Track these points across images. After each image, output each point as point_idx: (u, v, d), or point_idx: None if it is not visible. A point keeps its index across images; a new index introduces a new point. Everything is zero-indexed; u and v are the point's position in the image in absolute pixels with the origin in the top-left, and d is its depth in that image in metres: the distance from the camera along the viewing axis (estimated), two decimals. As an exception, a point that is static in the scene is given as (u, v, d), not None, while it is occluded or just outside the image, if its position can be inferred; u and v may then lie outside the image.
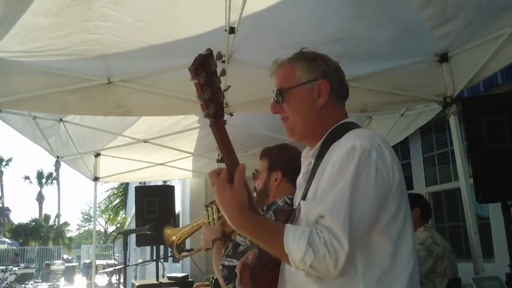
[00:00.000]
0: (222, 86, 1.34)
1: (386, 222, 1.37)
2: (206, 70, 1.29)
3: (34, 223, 41.77)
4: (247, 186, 1.39)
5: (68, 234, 45.28)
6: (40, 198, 49.79)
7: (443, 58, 3.64)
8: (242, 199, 1.34)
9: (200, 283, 4.88)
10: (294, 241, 1.27)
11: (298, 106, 1.58)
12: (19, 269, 18.79)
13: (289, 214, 1.56)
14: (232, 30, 3.01)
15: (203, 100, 1.31)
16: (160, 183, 8.72)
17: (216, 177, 1.38)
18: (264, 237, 1.36)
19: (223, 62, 3.44)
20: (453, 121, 3.73)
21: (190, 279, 5.78)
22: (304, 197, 1.49)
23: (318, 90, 1.56)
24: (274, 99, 1.61)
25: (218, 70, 1.33)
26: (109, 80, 3.54)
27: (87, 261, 24.70)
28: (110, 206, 38.36)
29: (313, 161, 1.55)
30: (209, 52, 1.31)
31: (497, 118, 3.26)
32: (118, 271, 5.16)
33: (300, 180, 1.65)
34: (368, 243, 1.34)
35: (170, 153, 6.15)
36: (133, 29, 3.09)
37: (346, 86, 1.66)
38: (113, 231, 41.67)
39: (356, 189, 1.31)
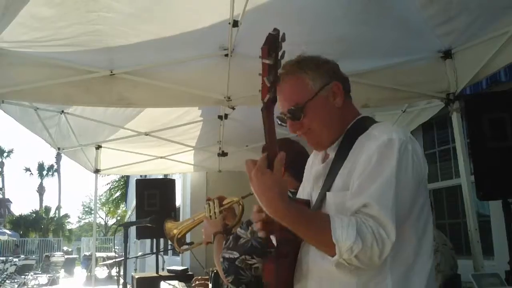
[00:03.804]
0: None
1: (416, 214, 1.39)
2: (275, 51, 1.25)
3: (34, 215, 41.85)
4: None
5: (69, 226, 45.45)
6: (40, 190, 49.85)
7: (447, 54, 3.62)
8: (283, 186, 1.31)
9: (199, 277, 4.88)
10: (342, 230, 1.26)
11: (321, 115, 1.55)
12: (19, 260, 18.87)
13: (305, 205, 1.53)
14: (235, 24, 3.00)
15: (269, 83, 1.26)
16: (161, 177, 8.74)
17: (253, 163, 1.34)
18: (307, 225, 1.33)
19: (226, 55, 3.44)
20: (455, 118, 3.73)
21: (189, 272, 5.80)
22: (329, 189, 1.47)
23: (333, 92, 1.56)
24: (290, 117, 1.55)
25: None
26: (111, 72, 3.54)
27: (87, 253, 24.80)
28: (110, 198, 38.44)
29: (333, 154, 1.55)
30: (277, 32, 1.27)
31: (500, 115, 3.26)
32: (118, 264, 5.18)
33: (318, 172, 1.60)
34: (398, 235, 1.32)
35: (171, 147, 6.15)
36: (137, 21, 3.08)
37: (347, 77, 1.66)
38: (113, 224, 41.77)
39: (399, 180, 1.33)
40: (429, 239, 1.42)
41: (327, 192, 1.47)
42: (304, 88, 1.54)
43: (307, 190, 1.66)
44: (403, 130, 1.45)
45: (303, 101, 1.52)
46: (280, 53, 1.27)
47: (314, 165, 1.68)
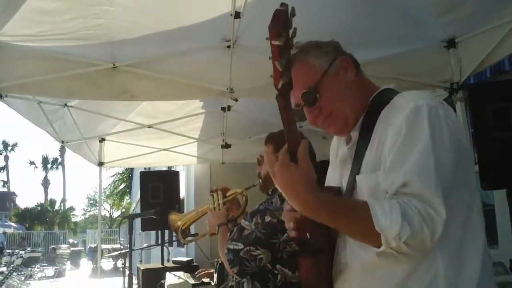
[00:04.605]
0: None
1: (461, 183, 1.24)
2: (286, 28, 1.10)
3: (39, 208, 42.12)
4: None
5: (74, 219, 45.71)
6: (45, 183, 50.12)
7: (450, 43, 3.60)
8: (311, 177, 1.19)
9: (204, 269, 4.92)
10: (386, 217, 1.12)
11: (337, 91, 1.44)
12: (25, 253, 19.02)
13: (337, 193, 1.43)
14: (237, 15, 2.99)
15: (282, 67, 1.11)
16: (164, 169, 8.76)
17: (274, 157, 1.22)
18: (345, 217, 1.20)
19: (228, 47, 3.43)
20: (459, 107, 3.71)
21: (195, 263, 5.83)
22: (358, 172, 1.34)
23: (342, 67, 1.47)
24: (306, 104, 1.43)
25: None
26: (114, 65, 3.54)
27: (93, 245, 24.94)
28: (115, 191, 38.61)
29: (356, 134, 1.42)
30: (286, 7, 1.12)
31: (504, 105, 3.25)
32: (123, 255, 5.22)
33: (344, 155, 1.48)
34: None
35: (174, 139, 6.16)
36: (139, 14, 3.08)
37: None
38: (118, 216, 41.93)
39: (437, 149, 1.19)
40: (477, 209, 1.29)
41: (356, 176, 1.35)
42: (312, 70, 1.45)
43: (337, 176, 1.53)
44: (429, 95, 1.33)
45: (314, 82, 1.42)
46: (291, 31, 1.13)
47: (339, 149, 1.56)
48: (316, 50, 1.49)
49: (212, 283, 4.20)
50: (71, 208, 45.98)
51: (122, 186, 37.12)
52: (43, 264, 19.74)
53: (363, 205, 1.17)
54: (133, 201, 24.62)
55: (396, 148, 1.23)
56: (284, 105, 1.18)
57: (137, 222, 8.06)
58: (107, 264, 19.16)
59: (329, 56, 1.47)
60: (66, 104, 4.89)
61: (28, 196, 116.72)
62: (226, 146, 6.25)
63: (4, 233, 28.39)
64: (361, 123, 1.42)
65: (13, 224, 31.50)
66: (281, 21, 1.09)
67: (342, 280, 1.37)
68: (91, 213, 49.76)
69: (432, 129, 1.20)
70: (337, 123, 1.45)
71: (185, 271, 4.80)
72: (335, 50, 1.50)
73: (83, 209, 51.80)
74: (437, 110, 1.24)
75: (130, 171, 28.93)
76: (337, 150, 1.59)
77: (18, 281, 14.42)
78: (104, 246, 21.17)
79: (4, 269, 15.39)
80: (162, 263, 6.06)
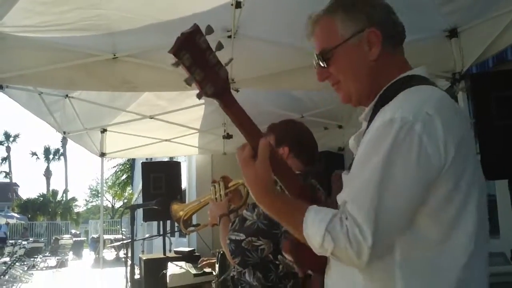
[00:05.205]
0: (223, 60, 1.25)
1: (435, 206, 1.14)
2: (191, 49, 1.20)
3: (42, 198, 42.30)
4: (283, 161, 1.28)
5: (76, 210, 45.87)
6: (47, 173, 50.28)
7: (453, 33, 3.57)
8: (265, 177, 1.23)
9: (206, 258, 4.94)
10: (313, 225, 1.15)
11: (348, 66, 1.33)
12: (28, 243, 19.12)
13: None
14: (238, 5, 2.97)
15: (195, 82, 1.21)
16: (166, 159, 8.76)
17: (241, 151, 1.27)
18: (287, 218, 1.26)
19: (229, 37, 3.41)
20: (461, 97, 3.70)
21: (196, 254, 5.86)
22: (349, 168, 1.26)
23: (368, 41, 1.31)
24: (318, 64, 1.37)
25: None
26: (114, 55, 3.53)
27: (95, 235, 25.07)
28: (117, 181, 38.69)
29: (365, 125, 1.32)
30: (194, 28, 1.20)
31: (506, 94, 3.24)
32: (125, 246, 5.22)
33: (352, 143, 1.40)
34: (410, 228, 1.14)
35: (176, 129, 6.16)
36: (139, 5, 3.06)
37: (401, 23, 1.40)
38: (120, 207, 42.09)
39: (388, 172, 1.10)
40: (466, 229, 1.15)
41: (342, 174, 1.31)
42: (333, 33, 1.33)
43: None
44: (420, 102, 1.16)
45: (329, 48, 1.33)
46: (204, 46, 1.23)
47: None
48: (347, 12, 1.34)
49: (214, 273, 4.21)
50: (73, 199, 46.11)
51: (124, 177, 37.18)
52: (45, 254, 19.87)
53: (303, 209, 1.19)
54: (135, 192, 24.67)
55: (356, 160, 1.21)
56: (227, 110, 1.24)
57: (139, 212, 8.07)
58: (109, 254, 19.28)
59: (357, 25, 1.32)
60: (67, 95, 4.88)
61: (30, 187, 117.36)
62: (228, 136, 6.24)
63: (7, 223, 28.48)
64: (369, 114, 1.31)
65: (15, 215, 31.57)
66: (180, 45, 1.20)
67: (328, 268, 1.38)
68: (93, 203, 50.05)
69: (392, 150, 1.10)
70: (341, 93, 1.39)
71: (187, 261, 4.82)
72: (368, 19, 1.32)
73: (85, 200, 52.12)
74: (412, 127, 1.10)
75: (131, 162, 28.96)
76: None
77: (21, 271, 14.53)
78: (106, 237, 21.30)
79: (7, 259, 15.47)
80: (164, 253, 6.08)
